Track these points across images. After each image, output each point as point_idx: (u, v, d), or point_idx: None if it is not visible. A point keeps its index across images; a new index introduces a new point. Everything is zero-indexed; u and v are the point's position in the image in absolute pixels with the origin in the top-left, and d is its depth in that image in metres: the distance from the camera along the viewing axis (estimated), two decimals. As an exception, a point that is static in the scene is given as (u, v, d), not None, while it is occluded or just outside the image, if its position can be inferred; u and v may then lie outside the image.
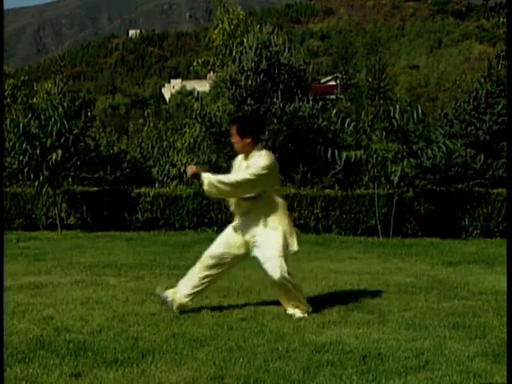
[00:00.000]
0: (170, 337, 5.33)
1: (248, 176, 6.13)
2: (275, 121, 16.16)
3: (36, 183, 16.50)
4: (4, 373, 4.22)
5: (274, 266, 6.04)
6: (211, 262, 6.35)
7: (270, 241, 6.11)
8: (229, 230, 6.49)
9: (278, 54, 17.83)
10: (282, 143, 17.29)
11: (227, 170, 7.65)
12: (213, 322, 5.87)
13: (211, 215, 16.83)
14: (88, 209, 17.75)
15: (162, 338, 5.31)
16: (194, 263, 6.54)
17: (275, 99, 17.38)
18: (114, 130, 42.72)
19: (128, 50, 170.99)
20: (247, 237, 6.26)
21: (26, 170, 16.31)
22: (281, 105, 17.22)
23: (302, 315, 6.11)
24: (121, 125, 49.93)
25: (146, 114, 47.80)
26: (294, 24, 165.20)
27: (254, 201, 6.24)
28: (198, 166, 6.73)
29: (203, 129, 18.39)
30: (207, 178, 6.15)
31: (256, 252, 6.22)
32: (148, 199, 17.45)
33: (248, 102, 17.50)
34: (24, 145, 16.12)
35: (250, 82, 17.66)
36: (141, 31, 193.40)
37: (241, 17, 27.46)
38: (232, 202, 6.51)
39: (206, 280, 6.40)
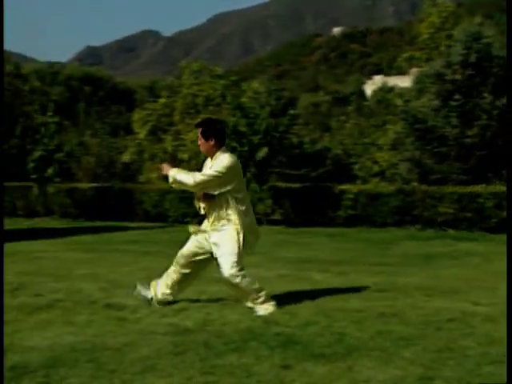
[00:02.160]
0: (376, 334, 5.30)
1: (205, 177, 6.35)
2: None
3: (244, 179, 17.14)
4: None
5: (223, 263, 6.24)
6: (183, 260, 6.59)
7: (223, 239, 6.32)
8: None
9: (488, 46, 17.07)
10: (490, 139, 16.54)
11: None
12: (419, 321, 5.75)
13: (415, 212, 16.50)
14: (291, 205, 18.12)
15: (368, 334, 5.28)
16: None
17: (485, 93, 16.65)
18: (316, 127, 43.29)
19: (330, 47, 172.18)
20: (208, 236, 6.46)
21: (234, 166, 17.00)
22: (491, 99, 16.47)
23: (263, 312, 6.18)
24: (322, 122, 50.45)
25: (347, 110, 47.90)
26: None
27: (213, 201, 6.43)
28: (167, 164, 6.76)
29: (407, 125, 18.07)
30: (172, 175, 6.46)
31: (214, 249, 6.38)
32: (350, 196, 17.47)
33: (455, 97, 16.94)
34: (233, 142, 16.80)
35: (457, 76, 17.08)
36: (344, 29, 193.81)
37: (450, 9, 26.60)
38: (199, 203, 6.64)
39: (182, 278, 6.64)
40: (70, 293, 7.22)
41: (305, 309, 6.29)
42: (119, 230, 16.59)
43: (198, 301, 6.78)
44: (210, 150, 6.52)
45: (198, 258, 6.62)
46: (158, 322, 5.82)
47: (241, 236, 6.38)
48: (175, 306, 6.46)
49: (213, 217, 6.49)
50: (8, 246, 11.55)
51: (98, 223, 19.16)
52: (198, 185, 6.43)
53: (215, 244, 6.40)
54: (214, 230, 6.46)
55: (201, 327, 5.62)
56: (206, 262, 6.68)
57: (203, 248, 6.57)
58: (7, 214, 19.15)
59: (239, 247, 6.35)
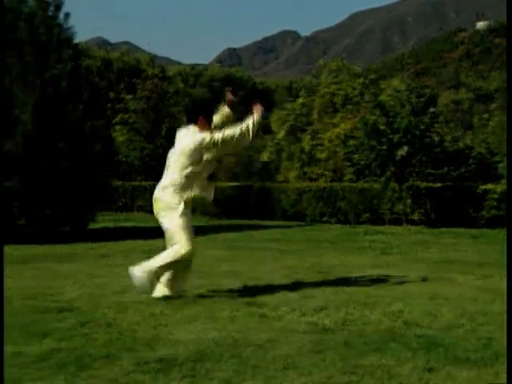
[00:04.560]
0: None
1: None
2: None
3: (382, 179, 16.93)
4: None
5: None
6: None
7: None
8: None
9: None
10: None
11: None
12: None
13: None
14: (432, 205, 17.71)
15: (516, 341, 5.08)
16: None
17: None
18: (458, 125, 42.01)
19: (474, 43, 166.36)
20: None
21: (373, 165, 16.83)
22: None
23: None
24: (464, 120, 48.89)
25: (490, 108, 46.09)
26: None
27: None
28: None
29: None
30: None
31: None
32: (494, 196, 16.84)
33: None
34: (372, 141, 16.64)
35: None
36: (488, 23, 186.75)
37: None
38: None
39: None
40: (213, 289, 7.42)
41: (447, 311, 6.15)
42: (259, 229, 16.87)
43: (336, 300, 6.78)
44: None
45: None
46: (298, 321, 5.87)
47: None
48: (314, 305, 6.49)
49: None
50: (151, 243, 12.01)
51: (238, 221, 19.57)
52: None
53: None
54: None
55: (341, 326, 5.62)
56: None
57: None
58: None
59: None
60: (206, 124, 7.10)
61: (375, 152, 16.64)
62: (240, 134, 6.90)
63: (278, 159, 24.88)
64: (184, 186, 6.95)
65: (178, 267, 6.94)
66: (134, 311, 6.24)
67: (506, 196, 13.25)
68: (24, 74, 13.71)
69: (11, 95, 13.57)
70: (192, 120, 7.15)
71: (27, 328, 5.60)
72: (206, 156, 6.93)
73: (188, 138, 6.98)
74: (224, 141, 6.88)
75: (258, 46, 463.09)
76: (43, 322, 5.82)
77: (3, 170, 13.18)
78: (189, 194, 6.99)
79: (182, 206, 6.91)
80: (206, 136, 6.90)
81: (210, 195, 7.20)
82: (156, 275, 6.87)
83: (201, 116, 7.11)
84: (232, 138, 6.89)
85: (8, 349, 4.94)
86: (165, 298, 6.82)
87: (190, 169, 6.93)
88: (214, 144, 6.88)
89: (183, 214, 6.88)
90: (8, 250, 11.89)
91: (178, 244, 6.81)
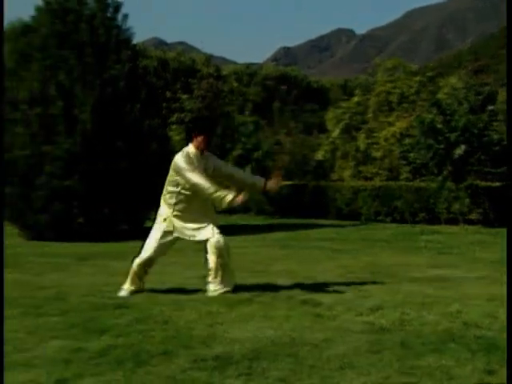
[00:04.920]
0: None
1: None
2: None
3: (439, 178, 16.69)
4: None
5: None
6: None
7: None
8: None
9: None
10: None
11: None
12: None
13: None
14: (490, 204, 17.38)
15: None
16: None
17: None
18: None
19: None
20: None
21: (430, 164, 16.61)
22: None
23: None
24: (524, 117, 47.76)
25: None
26: None
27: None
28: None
29: None
30: None
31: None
32: (556, 196, 16.39)
33: None
34: (429, 140, 16.41)
35: None
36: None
37: None
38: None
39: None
40: (268, 288, 7.43)
41: (505, 312, 6.02)
42: (313, 228, 16.82)
43: (392, 300, 6.71)
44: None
45: None
46: (354, 320, 5.83)
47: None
48: (370, 305, 6.43)
49: None
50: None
51: (293, 220, 19.55)
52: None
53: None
54: None
55: (397, 326, 5.55)
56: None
57: None
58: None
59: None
60: (201, 143, 7.19)
61: (432, 151, 16.41)
62: (209, 194, 6.94)
63: (332, 158, 24.76)
64: (167, 200, 7.22)
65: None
66: (190, 309, 6.29)
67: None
68: (84, 74, 13.97)
69: (72, 96, 13.84)
70: (189, 137, 7.32)
71: (86, 324, 5.70)
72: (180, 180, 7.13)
73: (177, 156, 7.17)
74: (195, 186, 7.00)
75: (312, 45, 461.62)
76: (101, 319, 5.92)
77: (64, 169, 13.45)
78: (169, 210, 7.21)
79: (160, 219, 7.24)
80: (184, 170, 7.04)
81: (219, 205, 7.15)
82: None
83: (195, 134, 7.22)
84: (202, 189, 6.97)
85: (68, 344, 5.04)
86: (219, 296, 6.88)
87: (170, 186, 7.24)
88: (186, 180, 7.03)
89: (157, 226, 7.23)
90: (67, 247, 12.14)
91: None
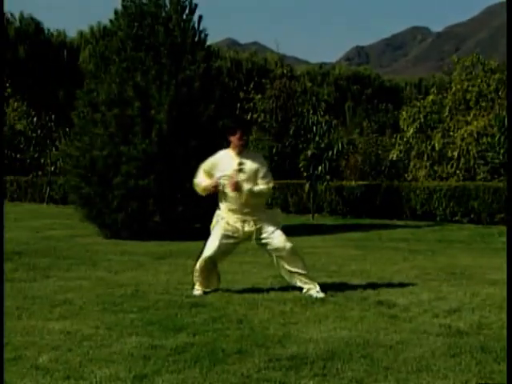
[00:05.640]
0: None
1: None
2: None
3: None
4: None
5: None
6: None
7: None
8: None
9: None
10: None
11: None
12: None
13: None
14: None
15: None
16: None
17: None
18: None
19: None
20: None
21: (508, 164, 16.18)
22: None
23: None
24: None
25: None
26: None
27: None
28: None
29: None
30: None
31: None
32: None
33: None
34: (507, 139, 16.00)
35: None
36: None
37: None
38: None
39: None
40: (342, 288, 7.39)
41: None
42: (387, 228, 16.63)
43: (470, 302, 6.58)
44: None
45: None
46: (431, 322, 5.75)
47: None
48: (447, 307, 6.34)
49: None
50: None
51: (367, 220, 19.39)
52: None
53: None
54: None
55: (476, 330, 5.45)
56: None
57: None
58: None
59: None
60: (235, 143, 7.26)
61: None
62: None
63: (406, 158, 24.39)
64: (220, 199, 7.40)
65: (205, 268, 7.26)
66: (264, 308, 6.33)
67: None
68: (160, 75, 14.19)
69: (148, 96, 14.09)
70: (226, 138, 7.40)
71: (162, 322, 5.81)
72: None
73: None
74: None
75: (386, 43, 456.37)
76: (177, 317, 6.02)
77: (140, 169, 13.69)
78: (222, 209, 7.36)
79: (216, 218, 7.39)
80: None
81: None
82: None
83: (229, 135, 7.32)
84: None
85: (146, 341, 5.14)
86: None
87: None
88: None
89: (216, 224, 7.35)
90: (144, 246, 12.38)
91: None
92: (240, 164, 7.17)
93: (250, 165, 7.21)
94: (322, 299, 6.76)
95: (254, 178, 7.14)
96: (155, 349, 4.93)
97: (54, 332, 5.47)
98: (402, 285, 7.63)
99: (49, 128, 29.18)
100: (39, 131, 28.78)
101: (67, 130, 21.71)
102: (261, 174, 7.21)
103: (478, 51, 28.42)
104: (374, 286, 7.56)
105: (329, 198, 22.13)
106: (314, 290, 7.02)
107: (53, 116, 29.28)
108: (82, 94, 15.13)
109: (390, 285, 7.64)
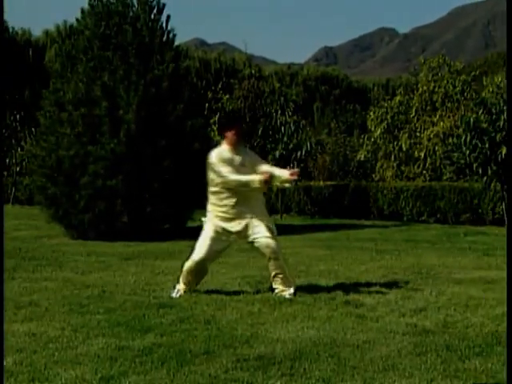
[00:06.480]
0: None
1: None
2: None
3: (484, 178, 16.44)
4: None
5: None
6: None
7: None
8: None
9: None
10: None
11: None
12: None
13: None
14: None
15: None
16: None
17: None
18: None
19: None
20: None
21: (474, 165, 16.36)
22: None
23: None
24: None
25: None
26: None
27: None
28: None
29: None
30: None
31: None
32: None
33: None
34: (473, 140, 16.18)
35: None
36: None
37: None
38: None
39: None
40: (310, 288, 7.42)
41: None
42: (355, 228, 16.73)
43: (436, 302, 6.64)
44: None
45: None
46: (397, 322, 5.79)
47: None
48: (413, 306, 6.39)
49: None
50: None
51: (335, 220, 19.48)
52: None
53: None
54: None
55: (441, 329, 5.50)
56: None
57: None
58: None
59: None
60: (232, 138, 7.22)
61: (477, 151, 16.15)
62: (239, 181, 7.07)
63: (374, 158, 24.57)
64: (211, 200, 7.29)
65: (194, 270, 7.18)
66: (232, 309, 6.32)
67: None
68: (128, 75, 14.11)
69: (116, 96, 14.00)
70: (221, 136, 7.36)
71: (130, 323, 5.77)
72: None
73: (211, 154, 7.25)
74: (225, 179, 7.08)
75: (354, 44, 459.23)
76: (145, 318, 5.99)
77: (107, 169, 13.60)
78: (215, 210, 7.23)
79: (206, 219, 7.29)
80: (215, 165, 7.12)
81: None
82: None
83: (224, 131, 7.31)
84: (233, 181, 7.09)
85: (113, 342, 5.11)
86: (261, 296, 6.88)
87: (211, 187, 7.26)
88: (217, 175, 7.11)
89: (206, 227, 7.22)
90: (111, 247, 12.29)
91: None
92: (242, 158, 7.23)
93: (248, 158, 7.34)
94: (289, 300, 6.77)
95: (253, 169, 7.23)
96: (122, 350, 4.90)
97: (18, 334, 5.41)
98: (369, 284, 7.68)
99: (14, 128, 28.88)
100: (4, 131, 28.44)
101: (33, 129, 21.50)
102: (260, 162, 7.41)
103: (444, 52, 28.71)
104: (341, 285, 7.59)
105: (297, 198, 22.21)
106: (287, 293, 7.02)
107: (18, 116, 28.97)
108: (49, 93, 14.99)
109: (357, 284, 7.69)
